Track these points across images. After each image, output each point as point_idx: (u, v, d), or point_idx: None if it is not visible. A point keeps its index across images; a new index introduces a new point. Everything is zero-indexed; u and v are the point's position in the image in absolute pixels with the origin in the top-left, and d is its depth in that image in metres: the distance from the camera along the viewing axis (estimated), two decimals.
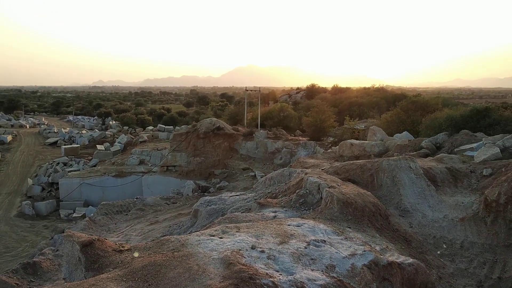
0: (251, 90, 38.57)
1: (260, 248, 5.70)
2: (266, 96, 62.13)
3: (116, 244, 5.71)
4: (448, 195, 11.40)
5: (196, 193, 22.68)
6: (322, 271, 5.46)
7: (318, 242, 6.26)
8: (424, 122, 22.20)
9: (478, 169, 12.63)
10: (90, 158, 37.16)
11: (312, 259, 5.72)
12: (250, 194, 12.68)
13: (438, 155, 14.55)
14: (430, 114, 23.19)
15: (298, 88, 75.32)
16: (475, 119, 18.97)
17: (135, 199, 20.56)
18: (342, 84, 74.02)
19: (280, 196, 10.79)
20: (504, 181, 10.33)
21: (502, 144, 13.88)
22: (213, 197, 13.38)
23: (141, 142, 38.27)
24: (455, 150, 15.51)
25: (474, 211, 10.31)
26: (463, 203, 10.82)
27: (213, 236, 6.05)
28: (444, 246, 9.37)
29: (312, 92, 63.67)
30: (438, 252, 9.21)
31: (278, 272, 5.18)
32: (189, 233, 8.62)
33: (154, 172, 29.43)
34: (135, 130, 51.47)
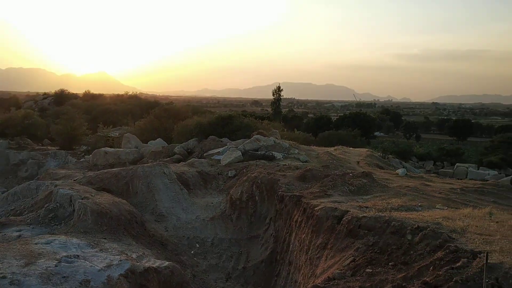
0: None
1: (1, 273, 5.05)
2: (6, 101, 55.48)
3: None
4: (200, 197, 12.23)
5: None
6: None
7: (70, 258, 5.90)
8: (176, 129, 23.30)
9: (224, 171, 13.94)
10: None
11: (64, 277, 5.36)
12: None
13: (190, 160, 15.48)
14: (182, 121, 24.45)
15: (45, 94, 69.48)
16: (221, 126, 20.89)
17: None
18: (94, 89, 71.43)
19: (26, 212, 9.76)
20: (245, 181, 11.70)
21: (243, 148, 15.64)
22: None
23: None
24: (205, 154, 16.74)
25: (222, 210, 11.35)
26: (212, 203, 11.78)
27: None
28: (197, 245, 10.02)
29: (61, 98, 59.53)
30: (192, 252, 9.79)
31: None
32: None
33: None
34: None
